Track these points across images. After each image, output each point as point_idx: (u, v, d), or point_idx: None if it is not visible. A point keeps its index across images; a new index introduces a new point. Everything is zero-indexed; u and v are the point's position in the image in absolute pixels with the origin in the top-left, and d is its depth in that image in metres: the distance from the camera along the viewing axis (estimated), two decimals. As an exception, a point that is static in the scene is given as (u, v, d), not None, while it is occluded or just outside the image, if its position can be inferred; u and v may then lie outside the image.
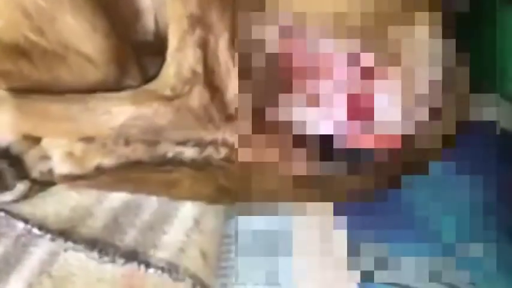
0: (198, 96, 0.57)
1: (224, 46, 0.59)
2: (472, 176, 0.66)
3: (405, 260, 0.61)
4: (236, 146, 0.59)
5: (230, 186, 0.59)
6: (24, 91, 0.56)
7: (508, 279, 0.61)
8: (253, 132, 0.58)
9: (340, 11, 0.59)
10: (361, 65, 0.60)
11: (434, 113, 0.62)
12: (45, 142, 0.56)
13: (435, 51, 0.62)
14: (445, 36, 0.63)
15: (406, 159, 0.63)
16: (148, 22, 0.63)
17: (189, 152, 0.59)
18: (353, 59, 0.60)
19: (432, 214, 0.63)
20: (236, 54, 0.59)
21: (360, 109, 0.61)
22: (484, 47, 0.72)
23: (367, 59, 0.60)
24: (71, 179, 0.55)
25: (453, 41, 0.63)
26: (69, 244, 0.51)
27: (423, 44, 0.62)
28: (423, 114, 0.61)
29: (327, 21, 0.58)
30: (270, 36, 0.58)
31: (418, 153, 0.63)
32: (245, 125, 0.57)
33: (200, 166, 0.58)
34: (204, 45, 0.58)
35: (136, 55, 0.62)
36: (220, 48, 0.58)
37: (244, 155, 0.58)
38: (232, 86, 0.59)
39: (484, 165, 0.66)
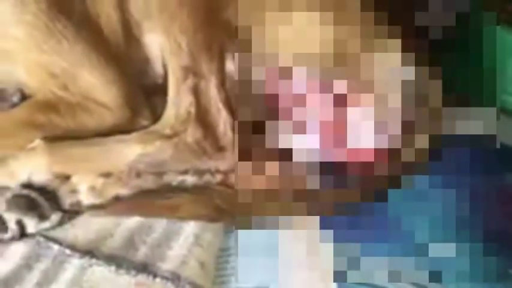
0: (192, 133, 0.69)
1: (214, 89, 0.70)
2: (459, 189, 0.67)
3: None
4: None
5: (226, 206, 0.70)
6: (55, 138, 0.70)
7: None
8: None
9: (313, 39, 0.63)
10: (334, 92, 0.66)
11: (407, 127, 0.64)
12: (73, 179, 0.69)
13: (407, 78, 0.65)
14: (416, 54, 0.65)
15: (380, 173, 0.65)
16: (157, 68, 0.75)
17: (190, 180, 0.70)
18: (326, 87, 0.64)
19: (417, 228, 0.65)
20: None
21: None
22: (484, 63, 0.73)
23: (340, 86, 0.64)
24: (95, 208, 0.68)
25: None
26: (93, 261, 0.64)
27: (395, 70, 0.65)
28: (396, 128, 0.64)
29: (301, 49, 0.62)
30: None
31: (394, 167, 0.65)
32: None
33: (200, 191, 0.70)
34: (195, 90, 0.69)
35: (147, 97, 0.74)
36: (211, 91, 0.70)
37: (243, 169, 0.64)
38: (222, 122, 0.70)
39: (468, 178, 0.67)
